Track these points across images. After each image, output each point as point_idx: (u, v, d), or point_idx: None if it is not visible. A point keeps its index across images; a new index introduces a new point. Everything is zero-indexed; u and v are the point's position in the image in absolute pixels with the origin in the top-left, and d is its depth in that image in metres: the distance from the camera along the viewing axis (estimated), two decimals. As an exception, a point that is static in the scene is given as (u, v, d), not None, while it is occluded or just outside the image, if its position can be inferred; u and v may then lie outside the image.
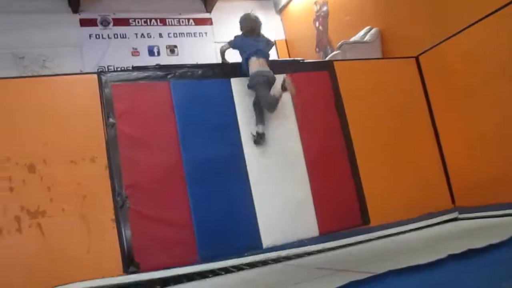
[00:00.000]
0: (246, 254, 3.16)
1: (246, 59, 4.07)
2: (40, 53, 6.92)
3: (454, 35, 4.39)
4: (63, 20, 7.29)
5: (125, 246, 3.44)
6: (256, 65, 4.00)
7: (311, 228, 3.99)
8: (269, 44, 4.28)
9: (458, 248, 1.90)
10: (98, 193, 3.47)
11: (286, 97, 4.17)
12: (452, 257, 1.77)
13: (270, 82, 4.03)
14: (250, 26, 4.19)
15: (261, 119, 4.05)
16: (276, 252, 3.23)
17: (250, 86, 4.05)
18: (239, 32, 4.24)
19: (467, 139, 4.43)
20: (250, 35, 4.17)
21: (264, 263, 3.24)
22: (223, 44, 4.31)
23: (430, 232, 3.44)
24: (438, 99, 4.76)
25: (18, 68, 6.68)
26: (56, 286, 2.80)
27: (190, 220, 3.65)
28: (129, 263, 3.41)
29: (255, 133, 4.01)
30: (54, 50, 6.99)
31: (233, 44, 4.21)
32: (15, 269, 3.13)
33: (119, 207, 3.49)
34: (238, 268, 3.19)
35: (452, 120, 4.61)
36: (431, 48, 4.74)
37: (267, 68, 4.04)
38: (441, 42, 4.58)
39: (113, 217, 3.46)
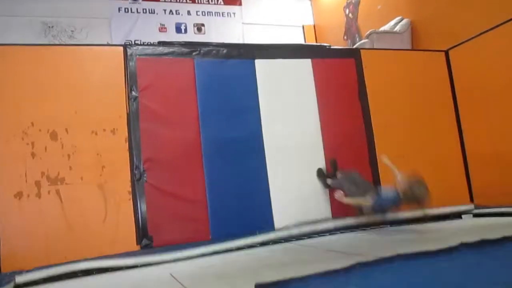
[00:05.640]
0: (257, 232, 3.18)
1: None
2: (69, 23, 6.97)
3: (489, 30, 4.24)
4: (94, -9, 7.32)
5: (140, 219, 3.49)
6: None
7: (324, 213, 3.98)
8: None
9: (471, 239, 1.86)
10: (116, 164, 3.51)
11: (310, 83, 4.14)
12: (464, 246, 1.74)
13: None
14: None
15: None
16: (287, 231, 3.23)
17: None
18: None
19: (492, 140, 4.31)
20: None
21: (275, 241, 3.25)
22: None
23: (445, 225, 3.39)
24: (465, 96, 4.64)
25: (47, 37, 6.77)
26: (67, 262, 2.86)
27: (205, 198, 3.68)
28: (143, 236, 3.47)
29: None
30: (83, 21, 7.02)
31: None
32: (36, 235, 3.21)
33: (136, 180, 3.54)
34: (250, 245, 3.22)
35: (478, 119, 4.49)
36: (463, 42, 4.60)
37: None
38: (474, 37, 4.44)
39: (130, 189, 3.51)
